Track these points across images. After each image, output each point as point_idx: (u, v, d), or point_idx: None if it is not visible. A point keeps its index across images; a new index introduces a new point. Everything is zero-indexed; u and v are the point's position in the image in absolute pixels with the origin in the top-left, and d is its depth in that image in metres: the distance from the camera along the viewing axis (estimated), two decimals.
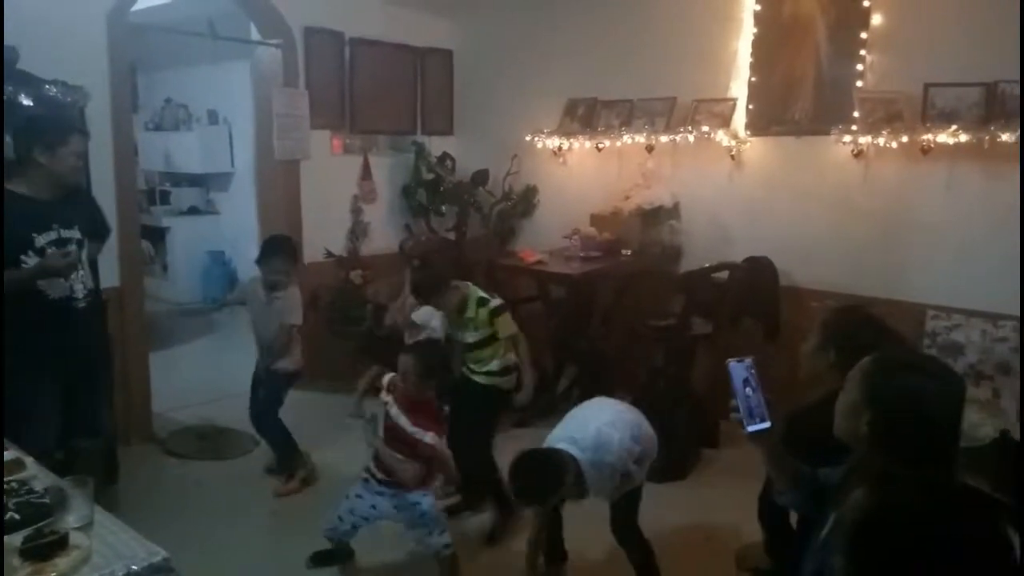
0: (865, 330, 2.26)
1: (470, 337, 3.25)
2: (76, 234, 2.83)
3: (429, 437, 2.70)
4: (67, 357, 2.84)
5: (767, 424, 1.62)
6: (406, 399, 2.77)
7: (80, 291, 2.85)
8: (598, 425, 2.56)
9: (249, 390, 3.79)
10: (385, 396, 2.84)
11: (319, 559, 3.01)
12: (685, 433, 3.78)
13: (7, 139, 2.88)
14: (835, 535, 1.35)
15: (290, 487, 3.62)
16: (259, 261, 3.59)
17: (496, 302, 3.25)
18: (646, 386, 3.99)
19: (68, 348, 2.83)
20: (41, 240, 2.71)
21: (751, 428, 1.62)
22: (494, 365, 3.24)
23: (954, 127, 3.54)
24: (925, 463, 1.31)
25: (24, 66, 3.23)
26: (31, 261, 2.69)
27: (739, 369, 1.63)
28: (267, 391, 3.68)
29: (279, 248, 3.60)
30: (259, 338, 3.68)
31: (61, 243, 2.75)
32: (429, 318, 3.84)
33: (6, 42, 3.19)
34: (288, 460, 3.71)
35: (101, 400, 3.12)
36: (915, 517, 1.20)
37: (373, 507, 2.85)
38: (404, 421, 2.73)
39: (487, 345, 3.24)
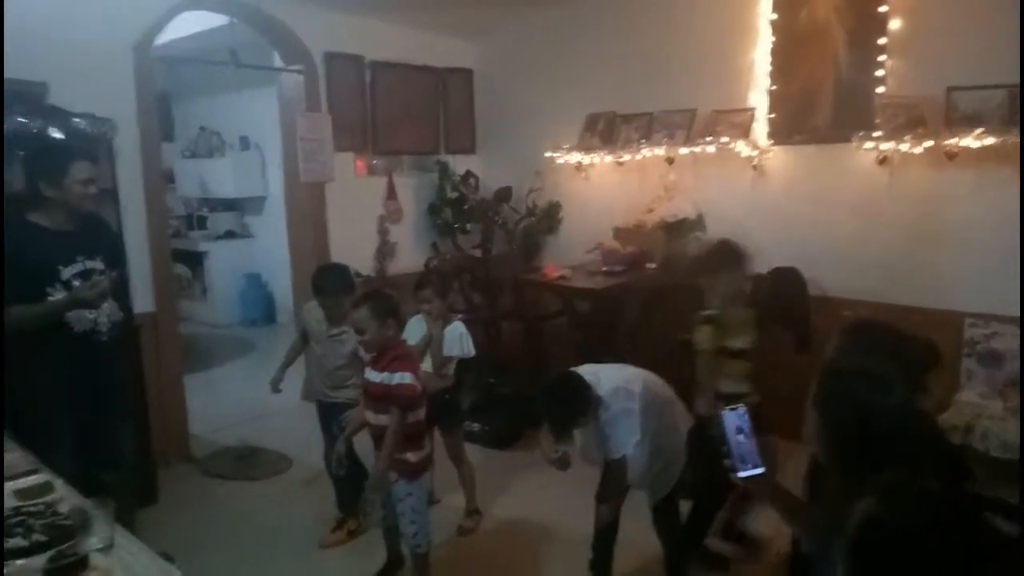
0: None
1: None
2: (100, 264, 2.76)
3: (398, 377, 2.64)
4: (88, 392, 2.76)
5: (760, 470, 1.64)
6: (376, 354, 2.73)
7: (104, 324, 2.76)
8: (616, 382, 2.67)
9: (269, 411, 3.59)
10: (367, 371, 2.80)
11: None
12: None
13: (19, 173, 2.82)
14: (839, 543, 1.34)
15: (335, 537, 3.35)
16: (316, 293, 3.29)
17: None
18: None
19: (89, 383, 2.75)
20: (67, 272, 2.66)
21: (742, 473, 1.64)
22: None
23: (979, 130, 3.48)
24: (889, 470, 1.32)
25: (54, 100, 3.36)
26: (57, 294, 2.62)
27: (732, 417, 1.67)
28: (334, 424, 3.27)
29: (333, 281, 3.26)
30: (319, 369, 3.38)
31: (86, 275, 2.69)
32: (456, 345, 3.37)
33: (37, 78, 3.31)
34: (345, 501, 3.42)
35: (123, 434, 2.98)
36: (919, 525, 1.20)
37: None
38: (370, 372, 2.72)
39: None
